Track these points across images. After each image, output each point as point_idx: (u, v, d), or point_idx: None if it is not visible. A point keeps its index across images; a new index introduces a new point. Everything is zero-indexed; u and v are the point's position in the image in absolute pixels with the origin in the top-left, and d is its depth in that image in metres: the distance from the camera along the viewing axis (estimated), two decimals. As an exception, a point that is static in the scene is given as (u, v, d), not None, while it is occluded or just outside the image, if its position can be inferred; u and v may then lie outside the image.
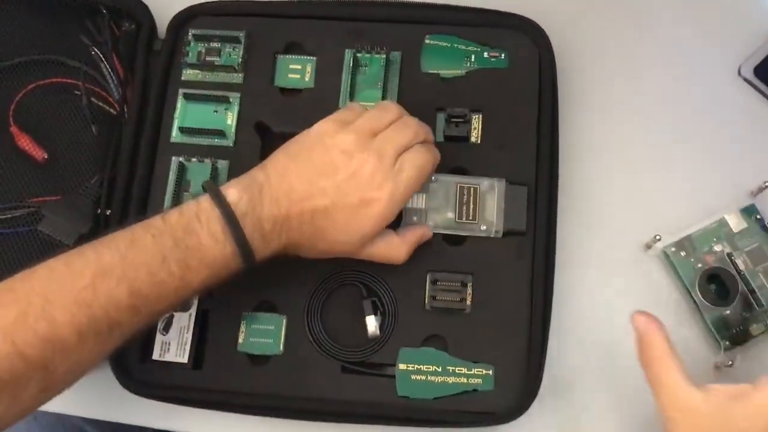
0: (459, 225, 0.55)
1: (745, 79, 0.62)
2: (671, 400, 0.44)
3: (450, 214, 0.55)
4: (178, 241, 0.47)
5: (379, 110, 0.53)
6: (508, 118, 0.59)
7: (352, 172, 0.49)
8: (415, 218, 0.55)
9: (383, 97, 0.60)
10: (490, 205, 0.55)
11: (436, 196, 0.56)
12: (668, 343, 0.46)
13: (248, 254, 0.48)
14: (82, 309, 0.44)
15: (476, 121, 0.59)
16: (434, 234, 0.57)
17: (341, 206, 0.49)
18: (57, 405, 0.58)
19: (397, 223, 0.54)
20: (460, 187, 0.55)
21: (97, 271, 0.45)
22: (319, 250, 0.52)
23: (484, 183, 0.56)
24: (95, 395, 0.58)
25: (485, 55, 0.60)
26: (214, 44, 0.61)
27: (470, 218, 0.55)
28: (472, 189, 0.55)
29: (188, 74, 0.62)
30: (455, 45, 0.60)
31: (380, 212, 0.50)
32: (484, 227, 0.55)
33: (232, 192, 0.49)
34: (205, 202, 0.48)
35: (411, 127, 0.52)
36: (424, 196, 0.55)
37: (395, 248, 0.53)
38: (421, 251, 0.56)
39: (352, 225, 0.50)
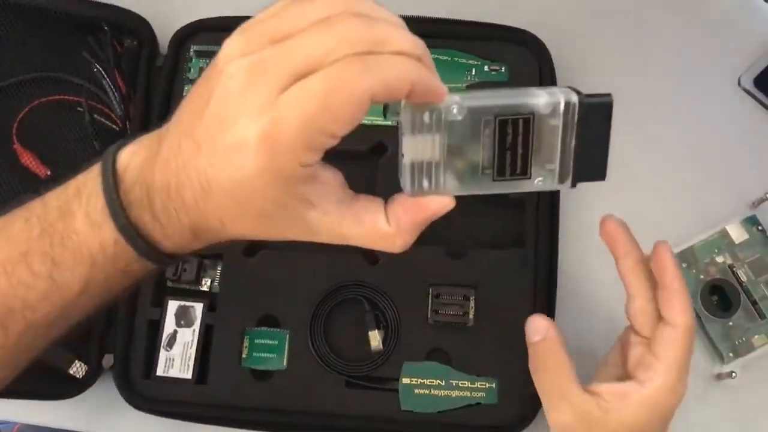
0: (499, 183, 0.35)
1: (745, 90, 0.62)
2: (569, 410, 0.43)
3: (483, 165, 0.34)
4: (48, 227, 0.35)
5: (302, 1, 0.32)
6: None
7: (218, 99, 0.31)
8: (425, 183, 0.34)
9: (384, 112, 0.58)
10: (551, 141, 0.34)
11: (459, 136, 0.33)
12: (565, 350, 0.44)
13: (139, 244, 0.35)
14: None
15: (477, 135, 0.59)
16: (436, 247, 0.57)
17: (214, 162, 0.31)
18: (60, 420, 0.59)
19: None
20: (500, 121, 0.33)
21: None
22: (237, 233, 0.34)
23: (541, 102, 0.33)
24: (99, 411, 0.59)
25: (486, 68, 0.60)
26: (216, 60, 0.62)
27: (518, 172, 0.34)
28: (521, 122, 0.33)
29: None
30: (456, 59, 0.61)
31: (254, 166, 0.30)
32: (541, 179, 0.35)
33: (126, 152, 0.35)
34: (95, 169, 0.36)
35: (339, 29, 0.30)
36: (437, 138, 0.33)
37: (383, 237, 0.35)
38: (423, 265, 0.56)
39: (231, 189, 0.32)
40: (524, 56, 0.60)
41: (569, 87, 0.34)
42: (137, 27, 0.63)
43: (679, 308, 0.42)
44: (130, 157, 0.35)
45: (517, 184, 0.35)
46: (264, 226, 0.34)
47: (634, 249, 0.45)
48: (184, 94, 0.61)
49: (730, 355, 0.56)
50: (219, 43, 0.61)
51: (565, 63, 0.61)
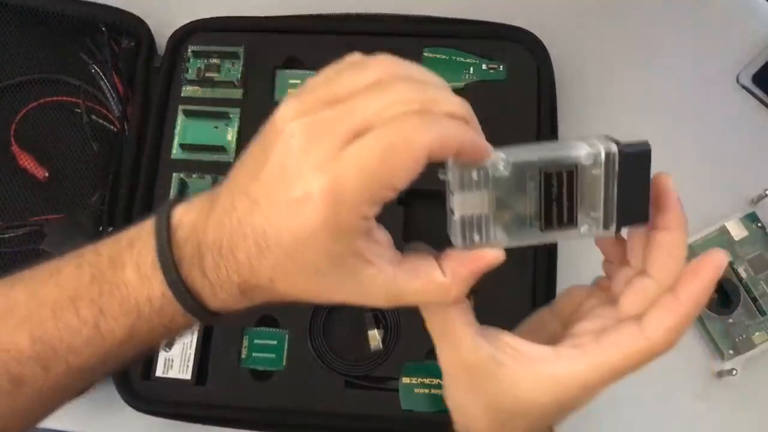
0: (547, 233, 0.36)
1: (744, 87, 0.62)
2: (456, 356, 0.36)
3: (531, 217, 0.35)
4: (98, 276, 0.36)
5: (352, 67, 0.33)
6: (507, 131, 0.58)
7: (279, 157, 0.32)
8: (476, 237, 0.35)
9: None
10: (594, 190, 0.35)
11: (506, 191, 0.35)
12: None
13: (187, 300, 0.35)
14: None
15: (476, 133, 0.59)
16: (434, 247, 0.56)
17: (273, 217, 0.32)
18: (59, 422, 0.59)
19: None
20: (545, 174, 0.34)
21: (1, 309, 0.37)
22: (287, 291, 0.34)
23: (582, 154, 0.34)
24: (98, 412, 0.58)
25: (484, 67, 0.60)
26: (214, 60, 0.62)
27: (565, 221, 0.35)
28: (565, 175, 0.35)
29: (188, 90, 0.62)
30: (454, 57, 0.61)
31: (318, 219, 0.31)
32: (586, 227, 0.36)
33: (180, 209, 0.36)
34: (148, 223, 0.36)
35: (392, 91, 0.32)
36: (485, 194, 0.34)
37: (439, 288, 0.34)
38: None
39: (289, 244, 0.32)
40: (522, 55, 0.60)
41: (606, 135, 0.35)
42: (135, 27, 0.63)
43: (667, 326, 0.34)
44: (183, 213, 0.35)
45: (564, 234, 0.36)
46: (316, 285, 0.34)
47: (683, 228, 0.36)
48: (182, 94, 0.62)
49: (731, 352, 0.56)
50: (216, 43, 0.62)
51: (564, 62, 0.61)
